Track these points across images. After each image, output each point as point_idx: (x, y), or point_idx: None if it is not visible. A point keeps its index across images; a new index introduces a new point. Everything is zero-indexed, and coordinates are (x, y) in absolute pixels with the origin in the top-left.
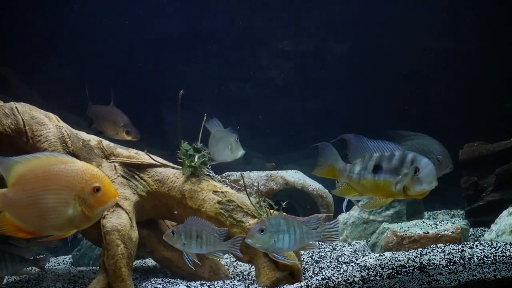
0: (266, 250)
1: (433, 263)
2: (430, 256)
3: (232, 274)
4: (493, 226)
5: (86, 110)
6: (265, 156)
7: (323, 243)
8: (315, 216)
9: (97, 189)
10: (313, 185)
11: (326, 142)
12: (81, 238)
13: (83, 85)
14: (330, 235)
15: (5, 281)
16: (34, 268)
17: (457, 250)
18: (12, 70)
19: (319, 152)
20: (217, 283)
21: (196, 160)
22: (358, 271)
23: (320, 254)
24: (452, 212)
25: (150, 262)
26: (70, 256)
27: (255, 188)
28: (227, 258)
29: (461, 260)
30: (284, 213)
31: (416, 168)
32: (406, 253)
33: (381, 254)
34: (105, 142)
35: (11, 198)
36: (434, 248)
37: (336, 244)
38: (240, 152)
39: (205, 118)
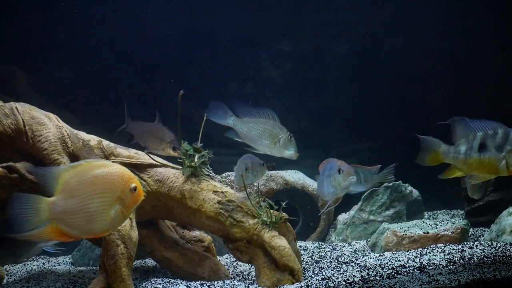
0: (342, 190)
1: (433, 263)
2: (430, 256)
3: (232, 274)
4: (493, 226)
5: (123, 124)
6: (265, 156)
7: (323, 243)
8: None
9: (135, 189)
10: (313, 185)
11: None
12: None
13: (123, 102)
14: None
15: (5, 281)
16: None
17: (457, 250)
18: (13, 70)
19: (420, 141)
20: (217, 283)
21: (196, 160)
22: (358, 271)
23: (320, 254)
24: (452, 212)
25: (150, 262)
26: (70, 256)
27: (255, 188)
28: (227, 258)
29: (461, 260)
30: (284, 213)
31: None
32: (406, 253)
33: (381, 254)
34: (105, 142)
35: (60, 205)
36: (434, 248)
37: (336, 244)
38: (290, 152)
39: (204, 117)
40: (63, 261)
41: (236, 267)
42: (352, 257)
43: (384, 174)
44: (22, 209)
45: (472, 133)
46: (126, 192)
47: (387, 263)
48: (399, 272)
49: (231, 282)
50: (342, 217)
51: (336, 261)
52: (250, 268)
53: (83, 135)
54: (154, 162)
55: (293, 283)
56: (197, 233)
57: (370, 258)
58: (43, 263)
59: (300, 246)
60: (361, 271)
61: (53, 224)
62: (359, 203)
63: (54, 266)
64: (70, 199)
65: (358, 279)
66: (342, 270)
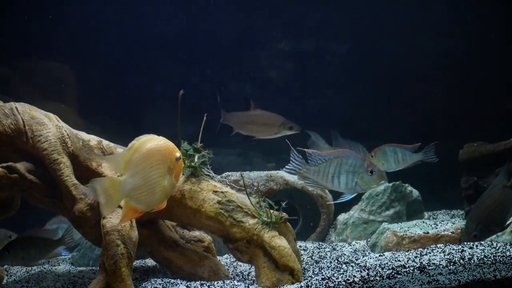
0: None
1: (433, 263)
2: (430, 256)
3: (232, 274)
4: None
5: (220, 118)
6: (265, 156)
7: (323, 243)
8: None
9: (178, 158)
10: None
11: None
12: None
13: (215, 93)
14: None
15: (4, 281)
16: (33, 267)
17: (457, 250)
18: (12, 70)
19: None
20: (217, 283)
21: (196, 160)
22: (358, 271)
23: (320, 254)
24: (452, 212)
25: (150, 262)
26: (69, 256)
27: (255, 188)
28: (227, 258)
29: (461, 260)
30: (284, 213)
31: None
32: (406, 253)
33: (381, 254)
34: (105, 142)
35: (130, 183)
36: (434, 248)
37: (336, 244)
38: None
39: (204, 118)
40: (63, 261)
41: (236, 267)
42: (352, 257)
43: (425, 152)
44: (103, 194)
45: None
46: (173, 161)
47: (387, 263)
48: (399, 272)
49: (231, 282)
50: (342, 217)
51: (336, 261)
52: (250, 268)
53: (83, 135)
54: None
55: (293, 283)
56: (197, 233)
57: (370, 258)
58: (43, 263)
59: (300, 246)
60: (361, 271)
61: (126, 202)
62: (359, 203)
63: (54, 266)
64: (135, 175)
65: (358, 279)
66: (342, 270)
